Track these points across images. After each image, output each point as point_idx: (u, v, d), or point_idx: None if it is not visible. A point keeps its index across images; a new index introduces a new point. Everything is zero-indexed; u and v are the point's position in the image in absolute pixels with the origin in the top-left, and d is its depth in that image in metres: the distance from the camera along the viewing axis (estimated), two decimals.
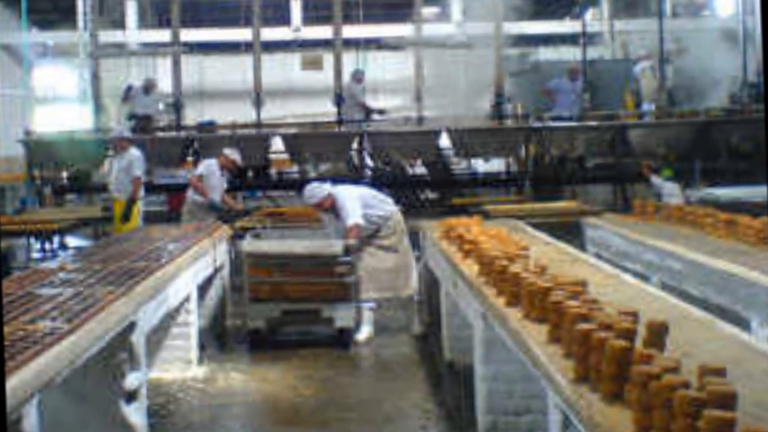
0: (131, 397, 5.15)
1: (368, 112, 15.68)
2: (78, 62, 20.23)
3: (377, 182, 12.54)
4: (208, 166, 11.24)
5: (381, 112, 16.02)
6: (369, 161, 13.75)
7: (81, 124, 16.45)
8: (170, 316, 6.99)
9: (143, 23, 22.43)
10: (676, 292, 6.25)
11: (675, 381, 2.81)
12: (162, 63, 18.41)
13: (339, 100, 13.94)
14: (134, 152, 11.69)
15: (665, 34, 15.33)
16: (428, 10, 19.67)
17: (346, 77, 14.84)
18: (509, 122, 14.63)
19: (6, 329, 4.16)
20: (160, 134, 14.44)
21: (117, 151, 11.87)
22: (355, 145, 13.69)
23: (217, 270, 8.49)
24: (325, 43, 18.16)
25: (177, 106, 14.09)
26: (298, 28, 21.85)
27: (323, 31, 18.60)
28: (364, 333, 8.43)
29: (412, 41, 14.85)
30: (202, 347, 7.71)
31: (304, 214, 10.68)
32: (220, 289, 8.73)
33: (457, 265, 6.18)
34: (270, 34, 18.77)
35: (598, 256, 8.32)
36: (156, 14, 22.49)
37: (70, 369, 4.13)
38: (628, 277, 5.66)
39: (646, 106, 16.22)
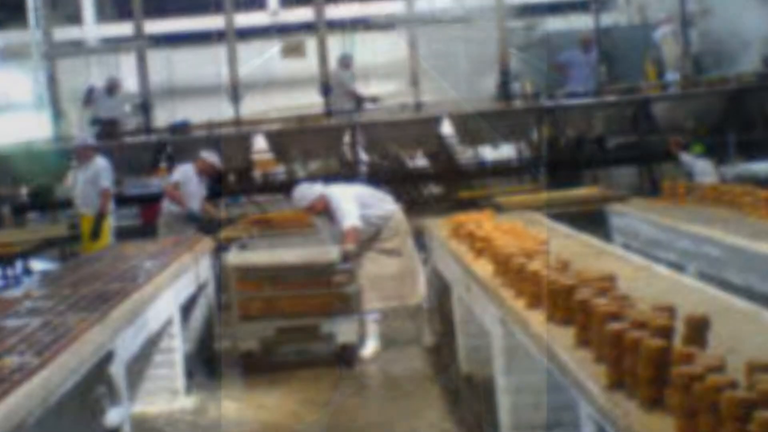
0: None
1: (359, 100, 15.70)
2: (31, 64, 20.22)
3: (374, 179, 12.54)
4: (184, 172, 11.26)
5: (374, 99, 16.03)
6: (363, 156, 13.76)
7: (39, 133, 16.41)
8: (152, 343, 7.00)
9: (102, 16, 22.42)
10: (715, 281, 6.25)
11: (721, 381, 2.82)
12: (126, 60, 18.37)
13: (326, 90, 13.95)
14: (100, 161, 11.70)
15: None
16: None
17: (332, 63, 14.85)
18: (518, 103, 14.64)
19: None
20: (128, 139, 14.44)
21: (81, 161, 11.87)
22: (346, 139, 13.70)
23: (201, 287, 8.50)
24: (307, 27, 18.16)
25: (145, 107, 14.09)
26: (275, 12, 21.86)
27: (304, 13, 18.56)
28: (369, 348, 8.43)
29: (403, 19, 14.86)
30: (189, 375, 7.71)
31: (295, 219, 10.69)
32: (206, 308, 8.74)
33: (469, 266, 6.19)
34: (245, 20, 18.74)
35: (626, 247, 8.33)
36: (115, 5, 22.50)
37: (43, 408, 4.13)
38: (661, 269, 5.67)
39: (670, 76, 16.20)
